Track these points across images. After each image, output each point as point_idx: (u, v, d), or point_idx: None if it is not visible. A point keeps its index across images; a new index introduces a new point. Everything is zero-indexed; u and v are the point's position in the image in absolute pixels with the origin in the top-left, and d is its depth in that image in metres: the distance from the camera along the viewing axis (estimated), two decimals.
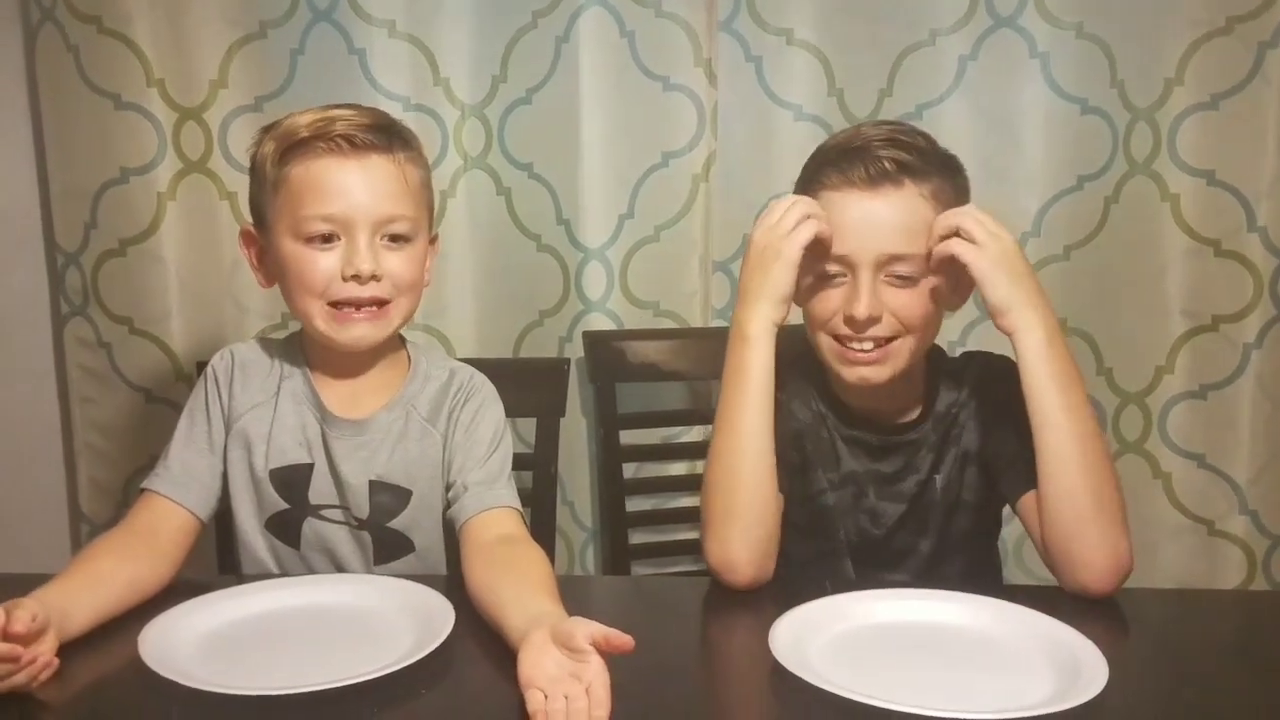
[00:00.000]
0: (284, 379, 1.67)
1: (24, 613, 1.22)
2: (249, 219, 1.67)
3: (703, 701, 1.30)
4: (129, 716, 1.23)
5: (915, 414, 1.69)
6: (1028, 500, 1.56)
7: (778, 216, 1.57)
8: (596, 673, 1.16)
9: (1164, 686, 1.28)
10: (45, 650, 1.25)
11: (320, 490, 1.65)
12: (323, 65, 2.20)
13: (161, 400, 2.28)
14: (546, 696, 1.14)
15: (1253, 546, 2.33)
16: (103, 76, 2.17)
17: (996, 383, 1.65)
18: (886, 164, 1.56)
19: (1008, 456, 1.60)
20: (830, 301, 1.60)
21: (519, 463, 1.85)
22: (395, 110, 2.12)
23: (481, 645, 1.34)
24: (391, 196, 1.57)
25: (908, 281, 1.57)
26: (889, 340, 1.58)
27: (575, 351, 2.26)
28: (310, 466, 1.64)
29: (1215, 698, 1.26)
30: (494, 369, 1.77)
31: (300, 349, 1.69)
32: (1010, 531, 2.34)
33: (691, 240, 2.25)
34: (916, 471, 1.68)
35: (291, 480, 1.64)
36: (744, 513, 1.54)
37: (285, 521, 1.65)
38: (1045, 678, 1.24)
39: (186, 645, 1.33)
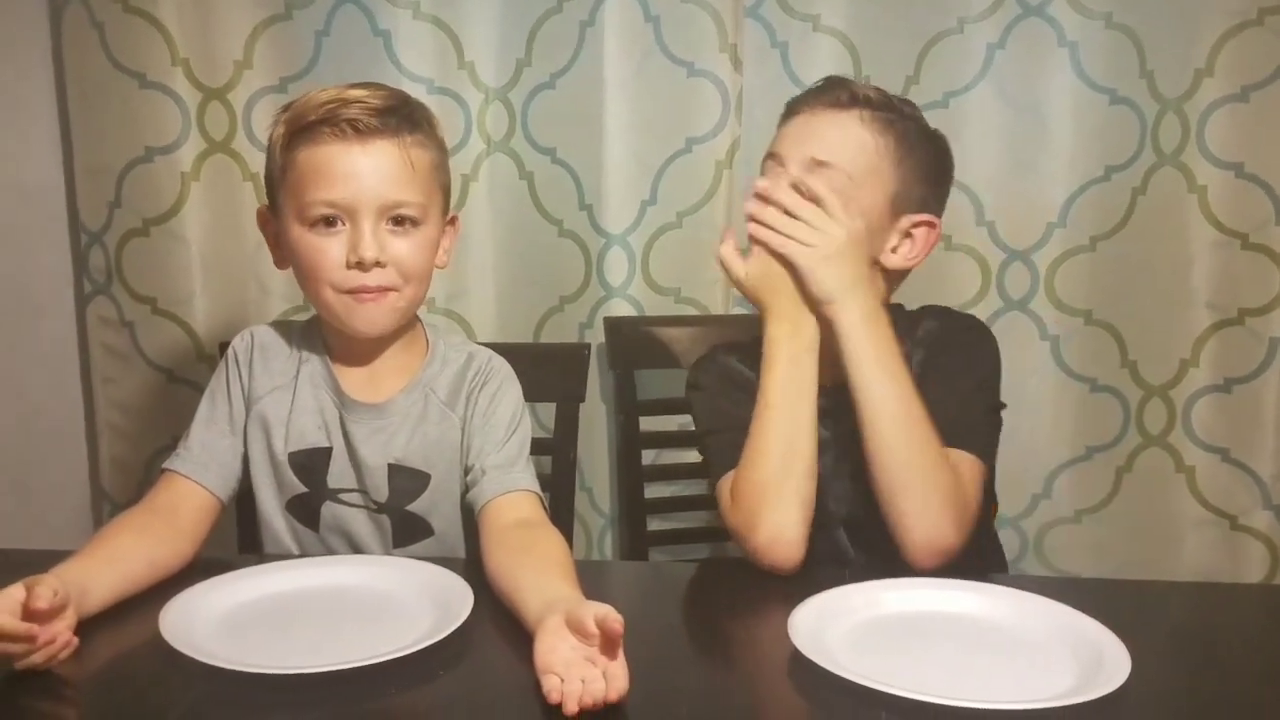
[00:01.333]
0: (303, 362, 1.67)
1: (45, 589, 1.22)
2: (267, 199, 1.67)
3: (721, 688, 1.29)
4: (149, 693, 1.23)
5: None
6: None
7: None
8: (610, 660, 1.16)
9: (1186, 679, 1.28)
10: (64, 628, 1.25)
11: (339, 474, 1.65)
12: (347, 47, 2.20)
13: (183, 380, 2.29)
14: (563, 680, 1.14)
15: (1275, 541, 2.32)
16: (128, 56, 2.17)
17: (949, 336, 1.70)
18: None
19: (930, 409, 1.58)
20: None
21: (538, 448, 1.85)
22: (419, 92, 2.13)
23: (500, 628, 1.33)
24: (395, 181, 1.55)
25: None
26: None
27: (596, 337, 2.26)
28: (328, 450, 1.64)
29: (1237, 691, 1.25)
30: (514, 353, 1.77)
31: (319, 333, 1.68)
32: (1031, 522, 2.35)
33: (714, 227, 2.23)
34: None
35: (310, 464, 1.64)
36: (799, 487, 1.54)
37: (304, 504, 1.65)
38: (1067, 669, 1.23)
39: (207, 623, 1.33)
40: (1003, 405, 1.73)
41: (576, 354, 2.10)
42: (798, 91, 2.19)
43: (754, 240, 1.60)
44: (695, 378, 1.77)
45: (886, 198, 1.63)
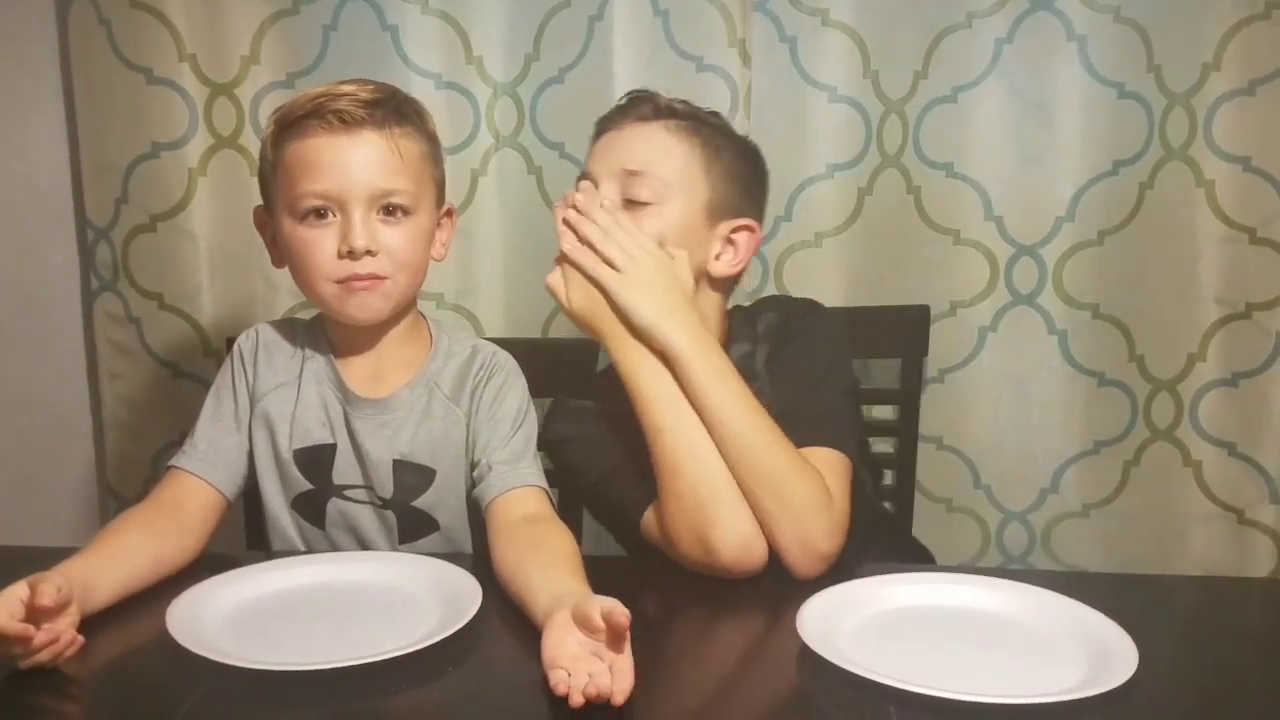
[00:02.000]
0: (307, 359, 1.67)
1: (49, 586, 1.22)
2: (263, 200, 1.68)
3: (729, 683, 1.29)
4: (156, 690, 1.23)
5: None
6: None
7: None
8: (617, 655, 1.16)
9: (1194, 673, 1.28)
10: (67, 625, 1.25)
11: (344, 470, 1.65)
12: (355, 41, 2.19)
13: (190, 376, 2.29)
14: (569, 674, 1.14)
15: None
16: (135, 51, 2.17)
17: (788, 327, 1.71)
18: None
19: (780, 406, 1.58)
20: None
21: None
22: (427, 88, 2.13)
23: (508, 624, 1.33)
24: (384, 171, 1.56)
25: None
26: None
27: None
28: (333, 447, 1.65)
29: (1245, 685, 1.25)
30: (523, 349, 1.77)
31: (323, 329, 1.69)
32: (1039, 517, 2.34)
33: None
34: None
35: (315, 461, 1.64)
36: (728, 487, 1.51)
37: (310, 501, 1.65)
38: (1075, 663, 1.23)
39: (214, 620, 1.33)
40: (856, 384, 1.74)
41: (585, 349, 2.09)
42: (807, 86, 2.21)
43: (567, 261, 1.60)
44: (559, 432, 1.72)
45: (701, 205, 1.66)
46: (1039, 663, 1.25)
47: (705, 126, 1.69)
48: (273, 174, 1.59)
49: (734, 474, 1.51)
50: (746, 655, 1.37)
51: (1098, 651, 1.24)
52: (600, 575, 1.34)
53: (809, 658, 1.23)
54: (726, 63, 2.18)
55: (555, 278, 1.62)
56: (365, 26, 2.19)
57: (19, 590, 1.22)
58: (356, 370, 1.66)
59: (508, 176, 2.27)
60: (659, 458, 1.54)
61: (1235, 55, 2.15)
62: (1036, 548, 2.37)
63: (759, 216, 1.74)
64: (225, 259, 2.26)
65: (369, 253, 1.55)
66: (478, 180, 2.24)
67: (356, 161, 1.54)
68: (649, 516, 1.58)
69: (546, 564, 1.39)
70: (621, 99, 1.75)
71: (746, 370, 1.63)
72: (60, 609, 1.24)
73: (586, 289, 1.59)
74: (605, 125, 1.72)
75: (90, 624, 1.29)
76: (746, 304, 1.84)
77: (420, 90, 1.97)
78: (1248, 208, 2.20)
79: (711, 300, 1.71)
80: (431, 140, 1.65)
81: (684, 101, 1.71)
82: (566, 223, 1.61)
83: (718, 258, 1.68)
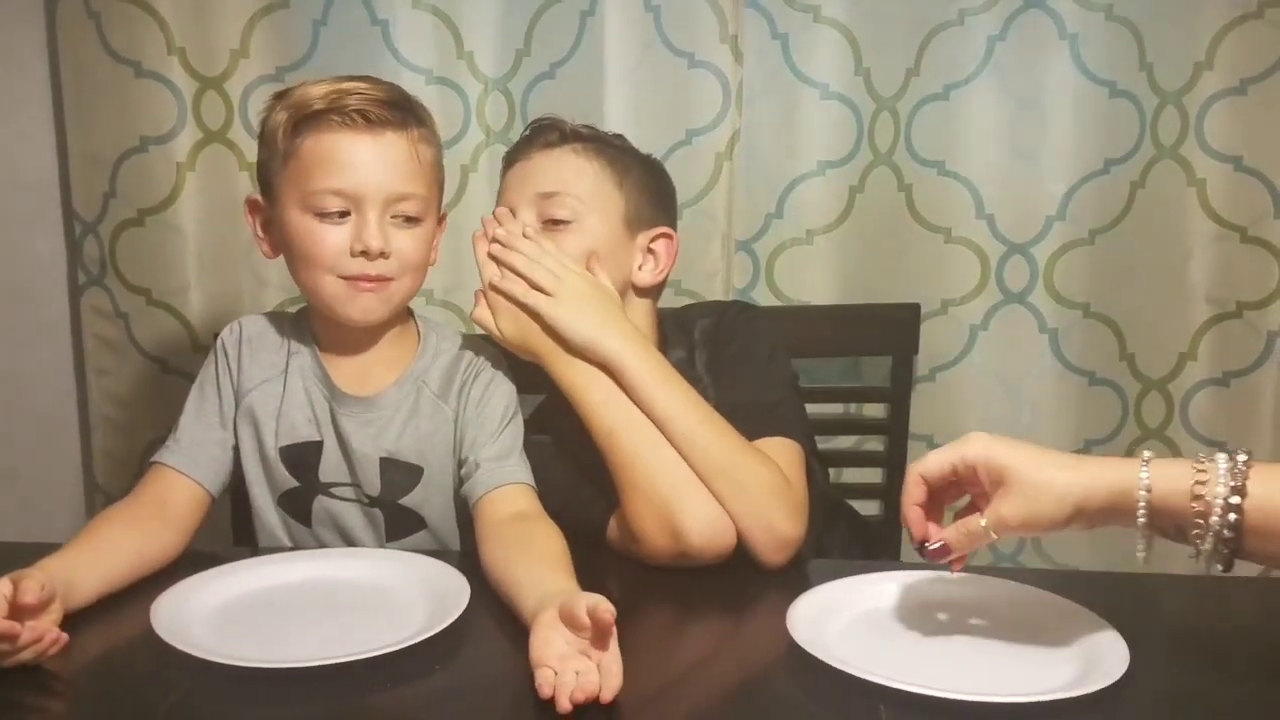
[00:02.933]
0: (292, 354, 1.66)
1: (32, 584, 1.22)
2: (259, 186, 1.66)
3: (719, 683, 1.28)
4: (141, 687, 1.23)
5: None
6: None
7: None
8: (605, 652, 1.15)
9: (1185, 672, 1.27)
10: (50, 623, 1.24)
11: (330, 468, 1.64)
12: (345, 36, 2.19)
13: (178, 372, 2.28)
14: (557, 674, 1.14)
15: None
16: (124, 44, 2.16)
17: (722, 329, 1.75)
18: None
19: (727, 403, 1.61)
20: None
21: None
22: (418, 83, 2.12)
23: (496, 621, 1.33)
24: (404, 174, 1.56)
25: None
26: None
27: None
28: (319, 444, 1.64)
29: (1235, 684, 1.25)
30: None
31: (309, 324, 1.68)
32: None
33: (714, 219, 2.22)
34: None
35: (301, 458, 1.63)
36: (687, 475, 1.54)
37: (296, 499, 1.65)
38: (1065, 662, 1.22)
39: (199, 617, 1.32)
40: (796, 378, 1.77)
41: None
42: (799, 84, 2.20)
43: (495, 290, 1.63)
44: None
45: (619, 218, 1.70)
46: (1030, 662, 1.24)
47: (610, 147, 1.74)
48: (282, 163, 1.56)
49: (696, 470, 1.53)
50: (737, 655, 1.37)
51: (1089, 650, 1.23)
52: (590, 575, 1.33)
53: (799, 656, 1.22)
54: (718, 59, 2.17)
55: (482, 311, 1.65)
56: (356, 21, 2.18)
57: (2, 587, 1.21)
58: (343, 367, 1.65)
59: (499, 173, 2.25)
60: (615, 458, 1.57)
61: (1227, 54, 2.15)
62: (1027, 546, 2.37)
63: (674, 226, 1.79)
64: (213, 254, 2.25)
65: (382, 254, 1.54)
66: (468, 176, 2.24)
67: (378, 162, 1.54)
68: (610, 533, 1.61)
69: (534, 562, 1.38)
70: (525, 130, 1.80)
71: (688, 375, 1.65)
72: (43, 606, 1.23)
73: (515, 315, 1.62)
74: (513, 157, 1.76)
75: (74, 621, 1.28)
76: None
77: (411, 85, 1.95)
78: (1239, 207, 2.20)
79: (640, 308, 1.75)
80: (439, 145, 1.65)
81: (587, 125, 1.77)
82: (492, 256, 1.64)
83: (640, 268, 1.73)
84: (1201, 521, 1.11)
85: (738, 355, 1.72)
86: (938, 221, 2.25)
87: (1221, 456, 1.11)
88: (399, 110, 1.56)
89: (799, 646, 1.23)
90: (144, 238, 2.23)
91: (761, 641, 1.38)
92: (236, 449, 1.64)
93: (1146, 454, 1.15)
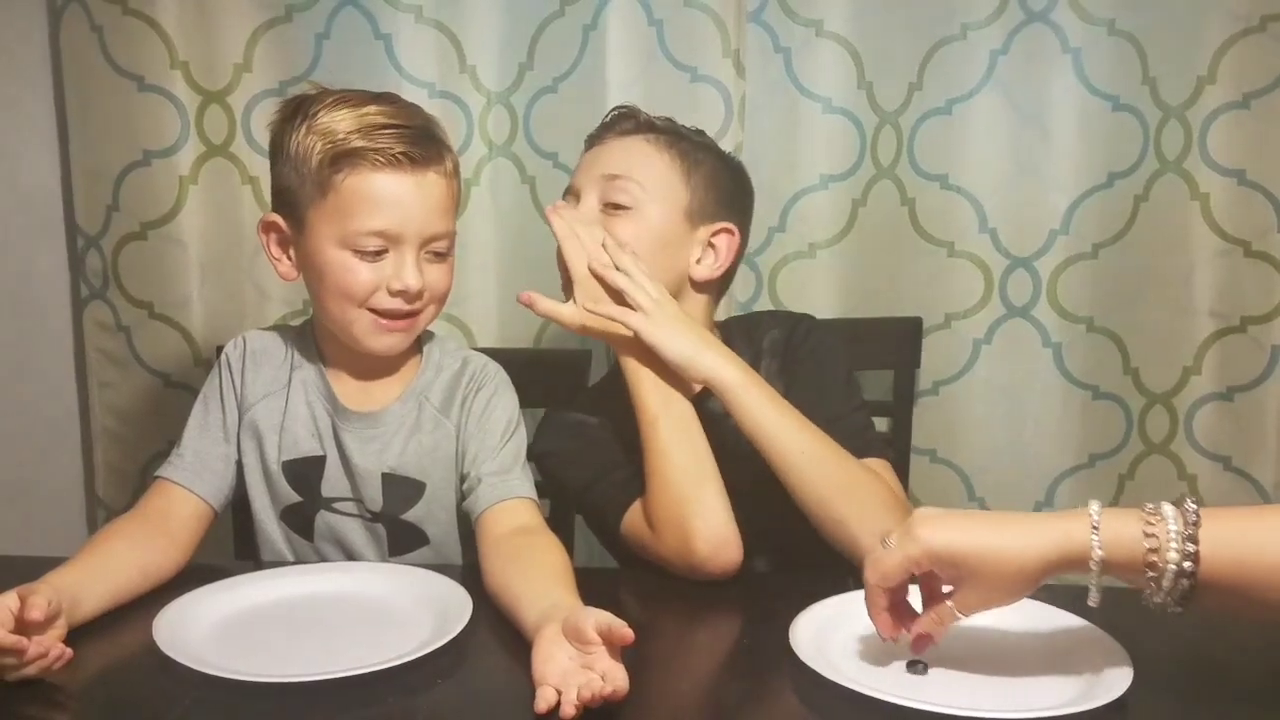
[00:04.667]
0: (295, 369, 1.66)
1: (39, 599, 1.21)
2: (270, 203, 1.65)
3: (722, 697, 1.28)
4: (143, 701, 1.22)
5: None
6: None
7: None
8: (608, 663, 1.15)
9: (1188, 688, 1.26)
10: (54, 638, 1.24)
11: (333, 483, 1.64)
12: (348, 50, 2.19)
13: (180, 385, 2.28)
14: (560, 693, 1.13)
15: None
16: (126, 58, 2.17)
17: (796, 345, 1.76)
18: None
19: (820, 424, 1.60)
20: None
21: None
22: (420, 96, 2.12)
23: (498, 636, 1.32)
24: (441, 213, 1.57)
25: None
26: None
27: (597, 344, 2.24)
28: (322, 459, 1.64)
29: (1239, 700, 1.24)
30: (515, 359, 1.76)
31: (312, 339, 1.68)
32: None
33: None
34: (720, 444, 1.64)
35: (304, 473, 1.63)
36: (716, 486, 1.56)
37: (298, 513, 1.65)
38: (1069, 677, 1.22)
39: (201, 631, 1.32)
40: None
41: (578, 360, 2.09)
42: (801, 97, 2.21)
43: (594, 311, 1.63)
44: (541, 445, 1.76)
45: (681, 209, 1.71)
46: (1033, 676, 1.24)
47: (684, 141, 1.75)
48: (317, 194, 1.54)
49: (808, 490, 1.55)
50: (740, 669, 1.36)
51: (1092, 665, 1.23)
52: (594, 588, 1.33)
53: (801, 670, 1.22)
54: (721, 73, 2.17)
55: (550, 305, 1.65)
56: (359, 35, 2.18)
57: (9, 601, 1.21)
58: (347, 383, 1.65)
59: (501, 186, 2.27)
60: (652, 445, 1.59)
61: (1230, 68, 2.15)
62: None
63: (741, 224, 1.78)
64: (216, 268, 2.25)
65: (419, 293, 1.56)
66: (470, 190, 2.23)
67: (419, 204, 1.54)
68: (628, 519, 1.62)
69: (535, 576, 1.38)
70: (607, 116, 1.81)
71: None
72: (49, 622, 1.23)
73: (604, 323, 1.63)
74: (590, 142, 1.79)
75: (78, 635, 1.28)
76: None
77: (413, 99, 1.95)
78: (1242, 221, 2.20)
79: (697, 303, 1.75)
80: (460, 168, 1.65)
81: (666, 118, 1.78)
82: (593, 273, 1.64)
83: (698, 261, 1.73)
84: (1155, 577, 1.10)
85: (817, 376, 1.73)
86: (941, 235, 2.25)
87: (1170, 510, 1.10)
88: (434, 144, 1.57)
89: (802, 660, 1.22)
90: (146, 251, 2.23)
91: (765, 656, 1.37)
92: (239, 463, 1.64)
93: (1095, 509, 1.15)
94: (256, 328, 1.74)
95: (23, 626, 1.20)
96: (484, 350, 1.75)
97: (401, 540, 1.65)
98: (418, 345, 1.70)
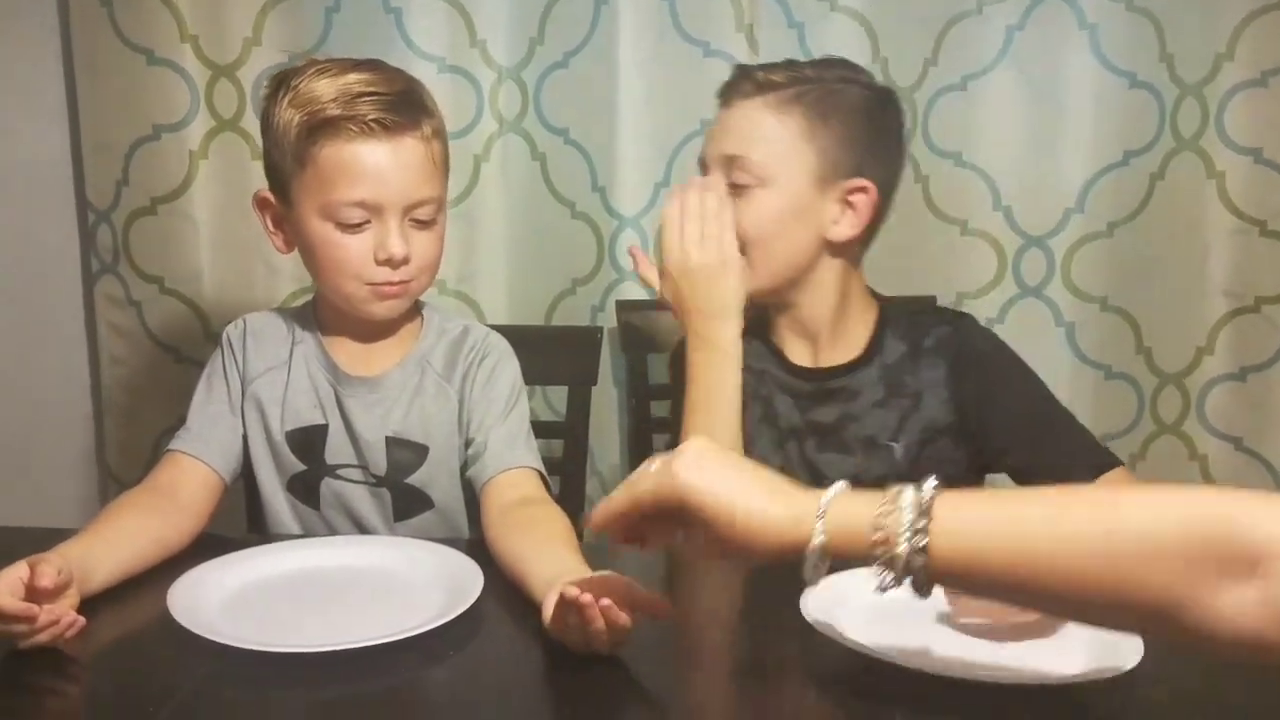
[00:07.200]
0: (296, 343, 1.67)
1: (49, 568, 1.21)
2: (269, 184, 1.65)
3: (734, 668, 1.29)
4: (157, 671, 1.22)
5: (851, 358, 1.67)
6: None
7: (696, 226, 1.62)
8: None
9: (1199, 659, 1.26)
10: (67, 607, 1.24)
11: (336, 449, 1.64)
12: (358, 24, 2.18)
13: (190, 360, 2.28)
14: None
15: None
16: (136, 32, 2.17)
17: (980, 356, 1.65)
18: None
19: (1065, 454, 1.58)
20: None
21: (550, 431, 1.83)
22: (430, 72, 2.12)
23: (509, 609, 1.32)
24: (421, 179, 1.55)
25: None
26: None
27: (608, 320, 2.24)
28: (325, 427, 1.64)
29: (1249, 670, 1.23)
30: (526, 336, 1.77)
31: (312, 314, 1.69)
32: None
33: None
34: (855, 420, 1.65)
35: (308, 441, 1.64)
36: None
37: (304, 482, 1.65)
38: (1079, 648, 1.21)
39: (216, 602, 1.32)
40: None
41: (588, 337, 2.08)
42: None
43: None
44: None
45: (808, 175, 1.61)
46: (1045, 646, 1.23)
47: (810, 92, 1.62)
48: (297, 167, 1.55)
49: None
50: (751, 639, 1.36)
51: (1103, 638, 1.22)
52: (603, 563, 1.32)
53: (812, 637, 1.22)
54: (733, 48, 2.16)
55: (651, 271, 1.73)
56: (368, 9, 2.18)
57: (19, 570, 1.21)
58: (347, 350, 1.66)
59: (511, 162, 2.26)
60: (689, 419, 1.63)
61: (1248, 46, 2.14)
62: None
63: (884, 171, 1.67)
64: (226, 242, 2.25)
65: (404, 260, 1.55)
66: (480, 166, 2.23)
67: (397, 171, 1.53)
68: None
69: (541, 541, 1.39)
70: (733, 73, 1.70)
71: (901, 376, 1.64)
72: (60, 590, 1.23)
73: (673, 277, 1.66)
74: (720, 101, 1.69)
75: (91, 605, 1.28)
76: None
77: (423, 74, 1.95)
78: (1258, 200, 2.19)
79: (834, 269, 1.67)
80: (445, 130, 1.63)
81: (789, 64, 1.67)
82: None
83: (836, 223, 1.64)
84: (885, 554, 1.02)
85: (1024, 398, 1.65)
86: (954, 213, 2.24)
87: (908, 499, 0.98)
88: (411, 109, 1.55)
89: (813, 627, 1.23)
90: (157, 226, 2.23)
91: (775, 624, 1.36)
92: (245, 436, 1.64)
93: (829, 495, 1.02)
94: (268, 303, 1.75)
95: (33, 596, 1.19)
96: (494, 327, 1.75)
97: (406, 505, 1.65)
98: (417, 310, 1.70)
